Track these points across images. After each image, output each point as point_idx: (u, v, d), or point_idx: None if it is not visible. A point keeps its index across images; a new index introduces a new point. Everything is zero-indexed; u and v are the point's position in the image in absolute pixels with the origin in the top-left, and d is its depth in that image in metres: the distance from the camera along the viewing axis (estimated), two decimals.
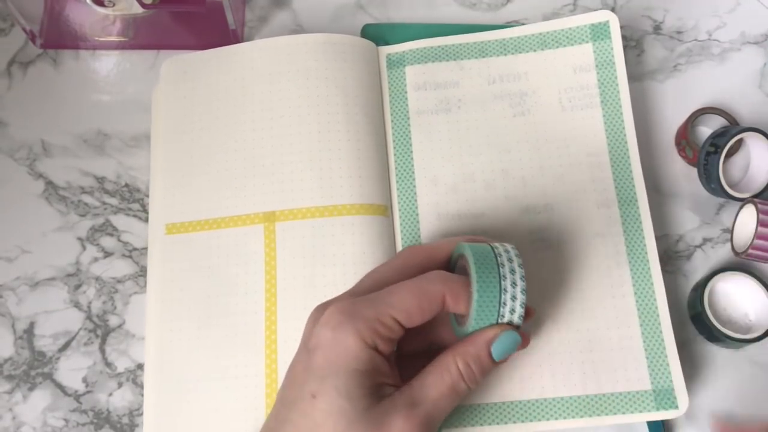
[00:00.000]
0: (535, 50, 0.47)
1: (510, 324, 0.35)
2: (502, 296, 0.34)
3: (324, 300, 0.36)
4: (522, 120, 0.46)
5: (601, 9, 0.52)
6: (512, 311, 0.34)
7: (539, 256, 0.43)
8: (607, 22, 0.46)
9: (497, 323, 0.34)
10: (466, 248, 0.35)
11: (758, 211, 0.43)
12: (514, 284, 0.34)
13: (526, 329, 0.40)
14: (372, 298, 0.34)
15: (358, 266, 0.42)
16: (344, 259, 0.42)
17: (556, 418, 0.40)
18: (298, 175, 0.44)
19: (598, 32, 0.47)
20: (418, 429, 0.32)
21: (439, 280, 0.34)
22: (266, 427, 0.34)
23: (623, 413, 0.40)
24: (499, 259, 0.35)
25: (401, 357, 0.37)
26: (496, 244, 0.36)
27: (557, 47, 0.47)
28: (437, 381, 0.34)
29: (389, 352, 0.34)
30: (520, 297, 0.34)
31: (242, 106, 0.46)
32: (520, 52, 0.47)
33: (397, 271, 0.36)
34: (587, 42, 0.47)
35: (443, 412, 0.34)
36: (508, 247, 0.36)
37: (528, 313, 0.37)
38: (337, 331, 0.33)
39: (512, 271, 0.34)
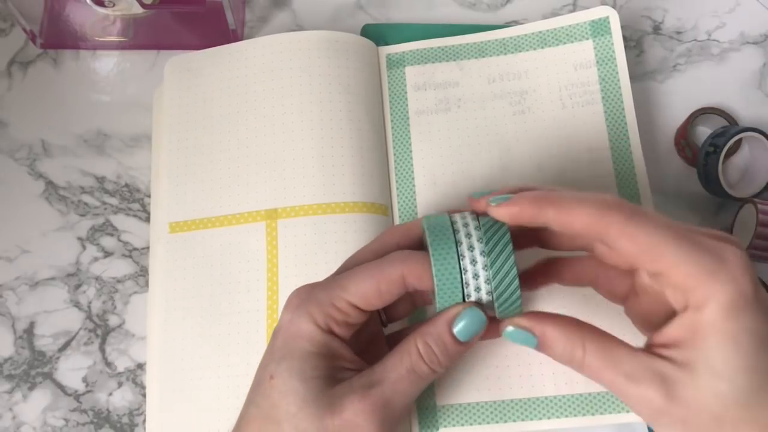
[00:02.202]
0: (534, 48, 0.47)
1: (479, 302, 0.32)
2: (463, 272, 0.31)
3: None
4: (522, 118, 0.46)
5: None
6: (477, 288, 0.31)
7: (539, 255, 0.43)
8: (607, 18, 0.46)
9: (464, 297, 0.32)
10: (423, 221, 0.33)
11: (757, 211, 0.43)
12: (474, 261, 0.31)
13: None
14: (329, 281, 0.34)
15: None
16: (346, 256, 0.42)
17: (557, 417, 0.40)
18: (301, 172, 0.44)
19: (598, 28, 0.46)
20: (372, 410, 0.31)
21: (398, 260, 0.32)
22: (242, 409, 0.34)
23: (624, 412, 0.40)
24: (455, 227, 0.32)
25: (393, 335, 0.37)
26: (457, 214, 0.33)
27: (557, 45, 0.47)
28: (396, 362, 0.32)
29: (347, 336, 0.33)
30: (483, 273, 0.31)
31: (245, 103, 0.46)
32: (520, 51, 0.47)
33: (375, 253, 0.35)
34: (587, 39, 0.46)
35: (403, 395, 0.32)
36: (467, 214, 0.33)
37: (540, 279, 0.34)
38: (293, 314, 0.33)
39: (470, 247, 0.31)
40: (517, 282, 0.31)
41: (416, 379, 0.32)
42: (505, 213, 0.31)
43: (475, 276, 0.31)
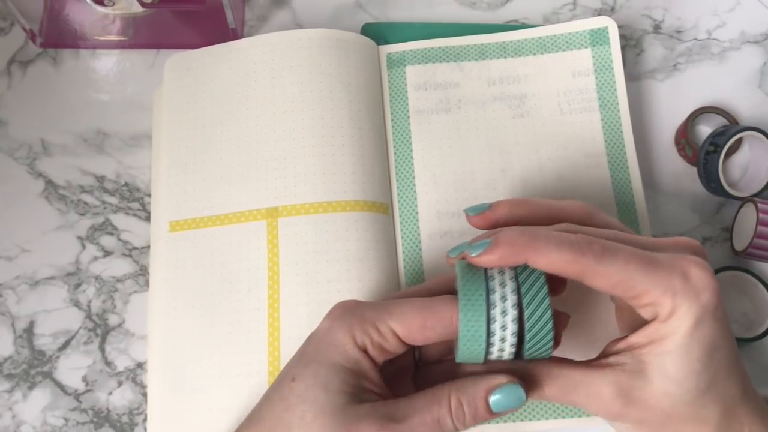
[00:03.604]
0: (534, 54, 0.47)
1: (502, 351, 0.32)
2: (491, 313, 0.31)
3: (326, 296, 0.36)
4: (521, 121, 0.46)
5: (600, 8, 0.52)
6: (503, 339, 0.31)
7: None
8: (606, 27, 0.47)
9: (486, 354, 0.32)
10: (456, 265, 0.33)
11: (758, 210, 0.43)
12: (504, 312, 0.31)
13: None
14: (377, 303, 0.34)
15: (361, 263, 0.42)
16: (347, 255, 0.42)
17: (556, 418, 0.40)
18: (301, 171, 0.44)
19: (597, 38, 0.47)
20: None
21: (451, 301, 0.32)
22: (257, 404, 0.34)
23: None
24: (488, 273, 0.32)
25: (421, 370, 0.37)
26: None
27: (557, 51, 0.47)
28: (425, 407, 0.32)
29: (379, 361, 0.33)
30: (511, 326, 0.31)
31: (245, 101, 0.46)
32: (520, 56, 0.47)
33: (428, 291, 0.35)
34: (586, 47, 0.47)
35: None
36: (506, 270, 0.32)
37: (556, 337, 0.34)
38: (333, 323, 0.33)
39: (503, 297, 0.31)
40: (550, 328, 0.31)
41: (437, 430, 0.32)
42: (486, 261, 0.32)
43: (503, 327, 0.31)
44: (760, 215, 0.43)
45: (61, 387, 0.44)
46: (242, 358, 0.41)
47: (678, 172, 0.48)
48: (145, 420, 0.43)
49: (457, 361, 0.33)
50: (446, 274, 0.36)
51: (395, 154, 0.46)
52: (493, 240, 0.31)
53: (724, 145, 0.44)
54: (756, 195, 0.45)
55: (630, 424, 0.32)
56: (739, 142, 0.48)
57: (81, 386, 0.44)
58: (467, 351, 0.32)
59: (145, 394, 0.44)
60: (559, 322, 0.34)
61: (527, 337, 0.31)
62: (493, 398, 0.32)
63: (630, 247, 0.31)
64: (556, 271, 0.31)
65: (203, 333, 0.42)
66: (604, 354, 0.33)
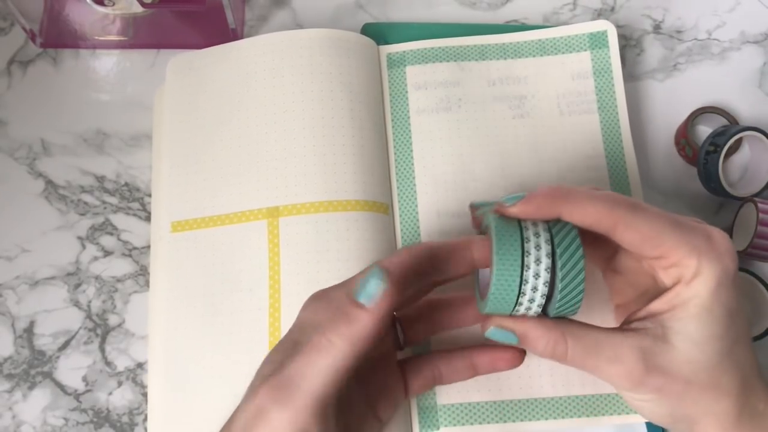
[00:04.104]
0: (534, 56, 0.47)
1: (531, 302, 0.31)
2: (524, 274, 0.31)
3: None
4: (521, 122, 0.46)
5: (600, 8, 0.52)
6: (531, 300, 0.31)
7: None
8: (605, 31, 0.47)
9: (516, 303, 0.31)
10: (490, 219, 0.33)
11: (758, 210, 0.43)
12: (537, 275, 0.31)
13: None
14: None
15: (361, 262, 0.42)
16: (348, 254, 0.42)
17: (555, 418, 0.40)
18: (302, 170, 0.44)
19: (597, 41, 0.47)
20: (271, 391, 0.30)
21: (468, 239, 0.34)
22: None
23: (623, 413, 0.40)
24: (525, 234, 0.32)
25: (406, 361, 0.37)
26: (528, 220, 0.33)
27: (556, 53, 0.47)
28: None
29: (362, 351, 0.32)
30: (544, 275, 0.31)
31: (246, 101, 0.46)
32: (520, 57, 0.47)
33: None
34: (585, 50, 0.47)
35: (306, 375, 0.30)
36: (539, 223, 0.32)
37: None
38: (305, 310, 0.33)
39: (537, 260, 0.31)
40: (583, 286, 0.31)
41: (316, 355, 0.31)
42: (521, 210, 0.32)
43: (536, 275, 0.31)
44: (760, 215, 0.43)
45: (61, 387, 0.44)
46: (243, 357, 0.41)
47: (678, 172, 0.48)
48: (145, 420, 0.43)
49: (485, 311, 0.32)
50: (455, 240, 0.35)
51: (395, 153, 0.46)
52: (530, 194, 0.32)
53: (724, 145, 0.44)
54: (756, 195, 0.45)
55: (648, 395, 0.32)
56: (739, 142, 0.48)
57: (81, 386, 0.44)
58: (498, 298, 0.31)
59: (145, 394, 0.44)
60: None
61: (559, 288, 0.31)
62: (356, 288, 0.31)
63: (657, 208, 0.32)
64: (590, 224, 0.31)
65: (204, 333, 0.42)
66: (627, 321, 0.33)
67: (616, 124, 0.46)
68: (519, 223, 0.32)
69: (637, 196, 0.44)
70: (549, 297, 0.32)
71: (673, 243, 0.31)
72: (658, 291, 0.32)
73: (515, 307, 0.32)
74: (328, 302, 0.32)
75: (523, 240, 0.31)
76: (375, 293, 0.30)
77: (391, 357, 0.37)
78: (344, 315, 0.30)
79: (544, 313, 0.33)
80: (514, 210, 0.32)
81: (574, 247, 0.31)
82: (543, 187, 0.32)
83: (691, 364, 0.31)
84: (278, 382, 0.30)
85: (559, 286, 0.31)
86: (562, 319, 0.33)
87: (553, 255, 0.31)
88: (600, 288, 0.40)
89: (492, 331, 0.33)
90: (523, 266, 0.31)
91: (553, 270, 0.31)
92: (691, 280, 0.31)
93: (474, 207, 0.35)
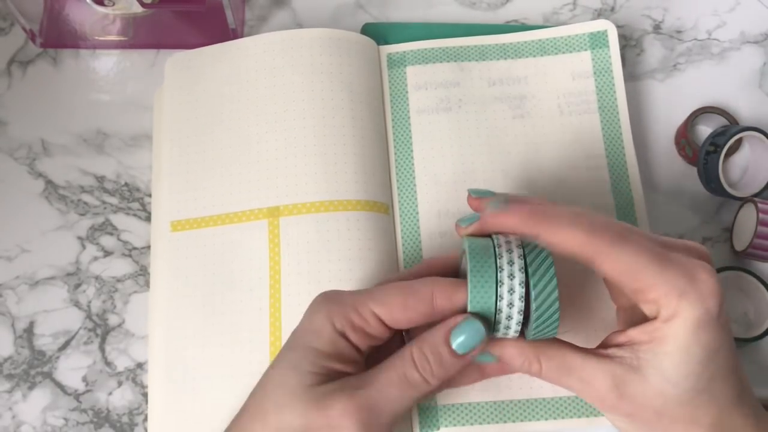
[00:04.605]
0: (534, 56, 0.47)
1: (507, 329, 0.32)
2: (499, 299, 0.31)
3: None
4: (521, 122, 0.46)
5: (600, 8, 0.52)
6: (509, 317, 0.31)
7: None
8: (606, 31, 0.47)
9: (494, 328, 0.32)
10: (465, 241, 0.33)
11: (758, 210, 0.43)
12: (511, 290, 0.31)
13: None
14: (358, 290, 0.35)
15: (362, 262, 0.42)
16: (349, 254, 0.42)
17: (555, 418, 0.40)
18: (302, 170, 0.44)
19: (597, 41, 0.47)
20: (357, 411, 0.31)
21: (429, 280, 0.33)
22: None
23: None
24: (498, 251, 0.32)
25: None
26: (501, 236, 0.33)
27: (556, 54, 0.47)
28: (389, 367, 0.32)
29: (362, 346, 0.33)
30: (518, 304, 0.31)
31: (246, 100, 0.46)
32: (520, 57, 0.47)
33: (412, 277, 0.35)
34: (586, 50, 0.47)
35: (391, 401, 0.32)
36: (512, 239, 0.33)
37: None
38: (312, 312, 0.34)
39: (511, 275, 0.31)
40: (556, 308, 0.31)
41: (407, 387, 0.32)
42: (500, 223, 0.32)
43: (510, 304, 0.31)
44: (760, 215, 0.43)
45: (61, 387, 0.44)
46: (244, 357, 0.41)
47: (678, 172, 0.48)
48: (145, 420, 0.43)
49: None
50: (428, 260, 0.37)
51: (396, 153, 0.46)
52: (511, 204, 0.32)
53: (724, 145, 0.44)
54: (756, 195, 0.45)
55: (621, 417, 0.32)
56: (739, 142, 0.48)
57: (81, 386, 0.44)
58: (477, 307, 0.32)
59: (145, 395, 0.43)
60: None
61: (534, 315, 0.31)
62: (454, 339, 0.32)
63: (644, 239, 0.31)
64: (567, 251, 0.31)
65: (204, 333, 0.42)
66: (604, 345, 0.33)
67: (617, 123, 0.46)
68: (494, 249, 0.32)
69: (638, 195, 0.44)
70: (526, 320, 0.32)
71: (652, 281, 0.30)
72: (643, 315, 0.32)
73: (492, 333, 0.32)
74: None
75: (497, 268, 0.31)
76: (473, 345, 0.32)
77: None
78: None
79: (523, 334, 0.33)
80: (493, 220, 0.32)
81: (548, 276, 0.31)
82: (524, 205, 0.32)
83: (663, 397, 0.30)
84: (365, 403, 0.31)
85: (533, 315, 0.31)
86: (539, 340, 0.33)
87: (527, 283, 0.31)
88: (600, 288, 0.40)
89: (460, 327, 0.33)
90: (497, 295, 0.31)
91: (527, 297, 0.31)
92: (669, 319, 0.30)
93: (473, 196, 0.35)
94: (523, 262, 0.32)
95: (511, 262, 0.31)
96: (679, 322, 0.30)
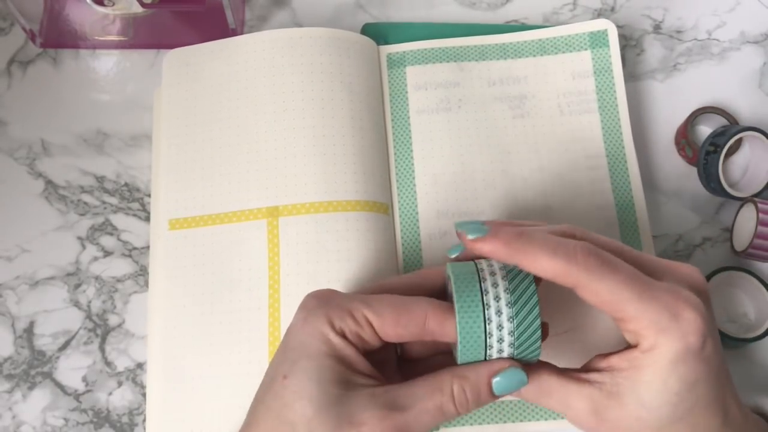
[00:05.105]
0: (534, 56, 0.47)
1: (501, 357, 0.32)
2: (487, 322, 0.31)
3: None
4: (521, 122, 0.46)
5: (600, 8, 0.52)
6: (500, 339, 0.32)
7: None
8: (606, 30, 0.47)
9: (486, 354, 0.32)
10: (448, 268, 0.33)
11: (758, 210, 0.43)
12: (499, 312, 0.31)
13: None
14: (354, 294, 0.34)
15: (362, 262, 0.42)
16: (348, 254, 0.42)
17: (555, 418, 0.40)
18: (302, 170, 0.43)
19: (597, 40, 0.47)
20: None
21: (425, 302, 0.33)
22: (250, 408, 0.34)
23: None
24: (481, 275, 0.32)
25: (405, 361, 0.37)
26: (483, 261, 0.33)
27: (556, 53, 0.47)
28: (427, 394, 0.32)
29: (361, 348, 0.33)
30: (507, 325, 0.31)
31: (245, 99, 0.46)
32: (520, 57, 0.47)
33: (406, 286, 0.36)
34: (586, 49, 0.47)
35: (422, 427, 0.32)
36: (494, 263, 0.33)
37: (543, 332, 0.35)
38: (309, 314, 0.33)
39: (497, 297, 0.31)
40: (539, 334, 0.32)
41: (440, 417, 0.32)
42: (480, 248, 0.32)
43: (500, 327, 0.31)
44: (760, 215, 0.43)
45: (61, 387, 0.44)
46: (242, 357, 0.41)
47: (678, 172, 0.48)
48: (145, 420, 0.43)
49: (459, 362, 0.33)
50: (423, 270, 0.37)
51: (395, 154, 0.46)
52: (491, 231, 0.32)
53: (724, 145, 0.44)
54: (756, 195, 0.45)
55: None
56: (739, 142, 0.48)
57: (81, 386, 0.44)
58: (467, 351, 0.32)
59: (145, 395, 0.43)
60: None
61: (516, 344, 0.32)
62: (496, 381, 0.32)
63: (630, 268, 0.31)
64: (548, 278, 0.31)
65: (203, 332, 0.42)
66: (586, 368, 0.33)
67: (617, 123, 0.46)
68: (477, 273, 0.32)
69: (638, 195, 0.44)
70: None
71: (632, 313, 0.30)
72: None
73: (486, 354, 0.32)
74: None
75: (482, 292, 0.32)
76: (512, 390, 0.33)
77: (390, 360, 0.37)
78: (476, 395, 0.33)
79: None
80: (473, 245, 0.32)
81: (530, 302, 0.31)
82: (504, 230, 0.32)
83: (639, 421, 0.31)
84: (399, 426, 0.31)
85: (516, 343, 0.32)
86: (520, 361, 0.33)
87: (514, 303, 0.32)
88: None
89: (505, 375, 0.33)
90: (485, 320, 0.31)
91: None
92: (647, 351, 0.30)
93: (459, 230, 0.35)
94: (507, 283, 0.32)
95: (495, 285, 0.32)
96: (657, 354, 0.30)
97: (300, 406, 0.31)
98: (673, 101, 0.49)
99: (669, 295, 0.31)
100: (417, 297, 0.33)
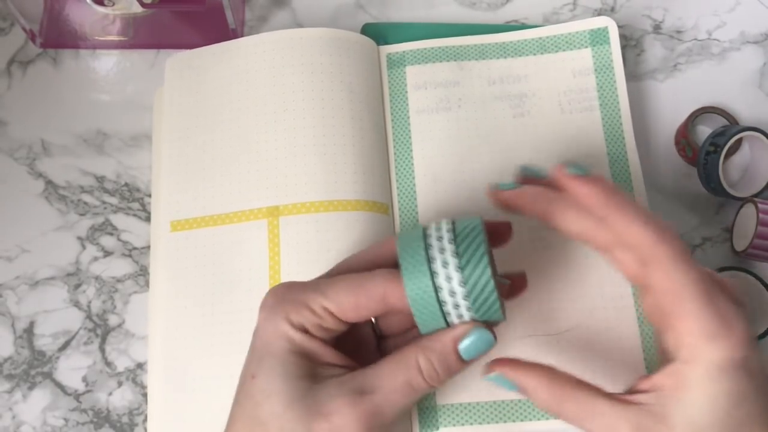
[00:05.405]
0: (534, 54, 0.47)
1: (461, 318, 0.32)
2: (438, 290, 0.31)
3: None
4: (522, 121, 0.46)
5: (600, 8, 0.52)
6: (456, 305, 0.31)
7: (539, 256, 0.43)
8: (606, 27, 0.47)
9: (446, 321, 0.32)
10: (396, 240, 0.33)
11: (758, 210, 0.43)
12: (449, 278, 0.30)
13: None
14: (309, 282, 0.34)
15: None
16: (347, 254, 0.42)
17: (555, 418, 0.40)
18: (302, 170, 0.44)
19: (597, 37, 0.47)
20: (362, 417, 0.30)
21: (382, 278, 0.32)
22: (230, 411, 0.34)
23: None
24: (428, 241, 0.31)
25: (384, 338, 0.37)
26: (433, 226, 0.32)
27: (557, 51, 0.47)
28: (393, 372, 0.32)
29: (326, 338, 0.33)
30: (460, 290, 0.30)
31: (246, 100, 0.46)
32: (520, 56, 0.47)
33: (369, 261, 0.35)
34: (586, 47, 0.47)
35: (395, 406, 0.31)
36: (444, 225, 0.32)
37: (517, 287, 0.35)
38: (268, 313, 0.33)
39: (445, 263, 0.31)
40: (495, 294, 0.31)
41: (411, 393, 0.32)
42: (576, 187, 0.32)
43: (452, 293, 0.31)
44: (760, 215, 0.43)
45: (61, 387, 0.44)
46: (243, 357, 0.41)
47: (678, 172, 0.48)
48: (145, 420, 0.43)
49: (422, 333, 0.33)
50: (383, 240, 0.36)
51: (395, 153, 0.46)
52: (592, 176, 0.32)
53: (724, 145, 0.44)
54: (756, 195, 0.45)
55: None
56: (739, 142, 0.48)
57: (81, 387, 0.44)
58: (425, 321, 0.32)
59: (145, 395, 0.43)
60: (518, 286, 0.35)
61: (471, 301, 0.31)
62: (463, 346, 0.32)
63: (701, 269, 0.30)
64: (627, 242, 0.31)
65: (204, 333, 0.42)
66: (630, 391, 0.32)
67: (618, 120, 0.45)
68: (424, 240, 0.32)
69: (640, 193, 0.44)
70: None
71: (691, 313, 0.29)
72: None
73: (446, 322, 0.32)
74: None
75: (429, 260, 0.31)
76: (482, 352, 0.32)
77: (369, 340, 0.37)
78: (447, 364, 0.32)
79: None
80: (572, 183, 0.33)
81: (482, 266, 0.30)
82: (603, 182, 0.32)
83: None
84: (369, 409, 0.31)
85: (474, 306, 0.31)
86: (565, 378, 0.32)
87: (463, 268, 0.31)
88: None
89: (493, 377, 0.33)
90: (435, 287, 0.31)
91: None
92: (691, 361, 0.30)
93: (525, 172, 0.36)
94: (454, 247, 0.31)
95: (442, 250, 0.31)
96: (701, 367, 0.29)
97: (269, 403, 0.31)
98: (673, 101, 0.49)
99: (726, 306, 0.30)
100: (373, 272, 0.33)
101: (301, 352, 0.32)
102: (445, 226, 0.32)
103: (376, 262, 0.34)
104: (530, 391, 0.32)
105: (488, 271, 0.30)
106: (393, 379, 0.32)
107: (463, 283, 0.30)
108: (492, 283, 0.31)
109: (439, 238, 0.31)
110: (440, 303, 0.31)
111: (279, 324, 0.32)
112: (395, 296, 0.32)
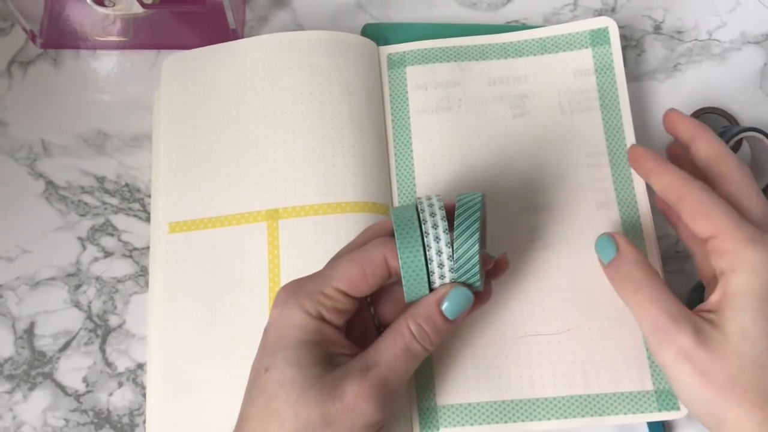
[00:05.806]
0: (535, 54, 0.47)
1: (442, 278, 0.34)
2: (428, 254, 0.33)
3: None
4: (522, 121, 0.46)
5: (600, 8, 0.52)
6: (442, 276, 0.34)
7: (539, 255, 0.43)
8: (607, 28, 0.47)
9: (430, 284, 0.34)
10: (391, 212, 0.35)
11: None
12: (439, 252, 0.33)
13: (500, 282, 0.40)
14: (315, 273, 0.35)
15: None
16: None
17: (557, 418, 0.40)
18: (302, 172, 0.44)
19: (598, 38, 0.47)
20: (372, 391, 0.32)
21: (379, 243, 0.35)
22: (240, 408, 0.35)
23: (624, 413, 0.40)
24: (422, 216, 0.34)
25: (383, 328, 0.37)
26: (425, 200, 0.35)
27: (557, 52, 0.47)
28: (390, 344, 0.34)
29: (339, 323, 0.35)
30: (446, 250, 0.33)
31: (244, 102, 0.46)
32: (521, 56, 0.47)
33: (358, 246, 0.36)
34: (587, 47, 0.47)
35: (399, 373, 0.34)
36: (435, 200, 0.35)
37: (499, 266, 0.38)
38: (283, 307, 0.34)
39: (437, 238, 0.33)
40: (477, 263, 0.33)
41: (410, 358, 0.34)
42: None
43: (440, 265, 0.34)
44: None
45: (61, 388, 0.44)
46: (242, 360, 0.41)
47: None
48: (145, 421, 0.43)
49: (407, 300, 0.35)
50: (376, 223, 0.38)
51: (395, 154, 0.46)
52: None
53: None
54: None
55: (693, 374, 0.32)
56: (740, 142, 0.48)
57: (81, 387, 0.44)
58: (412, 288, 0.34)
59: (145, 395, 0.43)
60: (500, 267, 0.38)
61: (455, 265, 0.34)
62: (445, 306, 0.34)
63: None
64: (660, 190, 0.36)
65: (203, 334, 0.42)
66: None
67: (619, 121, 0.45)
68: (418, 215, 0.34)
69: (641, 192, 0.44)
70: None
71: (724, 224, 0.33)
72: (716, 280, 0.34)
73: (429, 288, 0.34)
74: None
75: (421, 222, 0.34)
76: (463, 310, 0.34)
77: (371, 328, 0.38)
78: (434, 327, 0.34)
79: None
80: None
81: (472, 240, 0.33)
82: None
83: (739, 358, 0.31)
84: (377, 381, 0.33)
85: (455, 266, 0.34)
86: (646, 264, 0.36)
87: (452, 241, 0.34)
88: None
89: (450, 297, 0.35)
90: (425, 251, 0.33)
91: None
92: (737, 269, 0.32)
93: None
94: (444, 216, 0.34)
95: (435, 225, 0.34)
96: (746, 270, 0.32)
97: (284, 393, 0.32)
98: (674, 102, 0.49)
99: (755, 217, 0.34)
100: (371, 242, 0.35)
101: (315, 340, 0.33)
102: (436, 200, 0.35)
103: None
104: (623, 247, 0.37)
105: (477, 242, 0.33)
106: (392, 349, 0.34)
107: (451, 253, 0.33)
108: (476, 253, 0.33)
109: (432, 214, 0.34)
110: (428, 273, 0.34)
111: (294, 315, 0.34)
112: (395, 258, 0.34)
